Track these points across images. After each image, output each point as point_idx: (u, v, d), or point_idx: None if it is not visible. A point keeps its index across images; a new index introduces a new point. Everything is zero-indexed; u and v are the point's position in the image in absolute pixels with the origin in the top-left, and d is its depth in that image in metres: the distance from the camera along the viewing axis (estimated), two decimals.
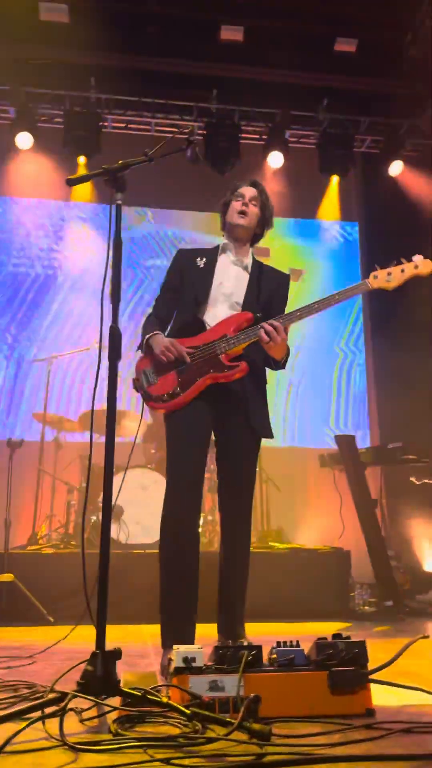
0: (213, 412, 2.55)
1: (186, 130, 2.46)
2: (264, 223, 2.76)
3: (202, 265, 2.68)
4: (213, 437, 2.64)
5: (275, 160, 6.62)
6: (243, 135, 6.66)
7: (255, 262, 2.76)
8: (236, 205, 2.70)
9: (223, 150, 6.34)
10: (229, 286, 2.65)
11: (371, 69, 6.37)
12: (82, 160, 6.37)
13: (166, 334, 2.64)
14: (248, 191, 2.73)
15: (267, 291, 2.67)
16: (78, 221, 7.14)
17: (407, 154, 6.78)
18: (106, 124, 6.62)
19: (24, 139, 6.32)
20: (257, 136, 6.85)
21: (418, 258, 2.53)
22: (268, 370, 2.70)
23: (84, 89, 6.37)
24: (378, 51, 6.28)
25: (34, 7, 5.74)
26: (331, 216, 7.44)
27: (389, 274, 2.54)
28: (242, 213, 2.67)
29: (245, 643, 1.74)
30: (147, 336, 2.58)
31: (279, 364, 2.60)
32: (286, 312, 2.60)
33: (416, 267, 2.53)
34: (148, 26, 6.09)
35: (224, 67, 6.40)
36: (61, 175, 6.67)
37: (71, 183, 1.92)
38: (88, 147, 6.32)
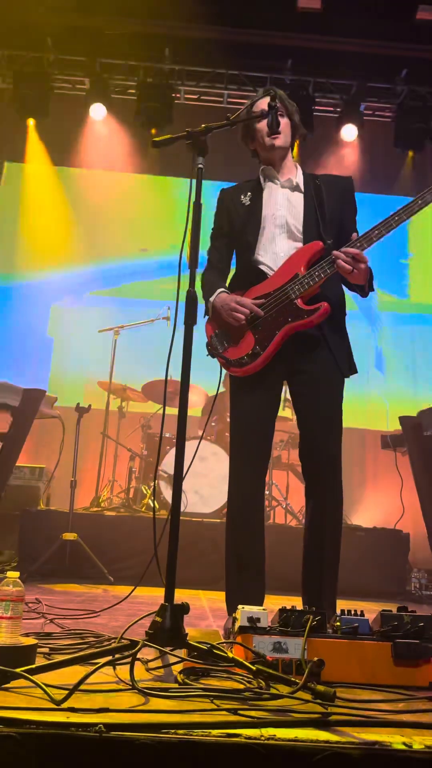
0: (287, 366, 2.33)
1: (266, 98, 2.34)
2: (296, 129, 2.46)
3: (248, 202, 2.41)
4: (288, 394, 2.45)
5: (349, 132, 6.46)
6: (317, 107, 6.53)
7: (307, 176, 2.44)
8: (263, 126, 2.36)
9: (300, 119, 6.22)
10: (282, 215, 2.36)
11: None
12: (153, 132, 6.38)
13: (227, 285, 2.42)
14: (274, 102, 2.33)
15: (332, 204, 2.35)
16: (148, 191, 7.18)
17: None
18: (178, 95, 6.61)
19: (98, 110, 6.39)
20: (331, 109, 6.70)
21: None
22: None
23: (158, 60, 6.37)
24: None
25: None
26: (406, 192, 7.22)
27: None
28: (274, 131, 2.33)
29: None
30: (210, 298, 2.36)
31: (365, 290, 2.33)
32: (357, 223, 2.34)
33: None
34: None
35: (300, 36, 6.26)
36: (134, 146, 6.71)
37: (157, 145, 1.92)
38: (160, 118, 6.33)
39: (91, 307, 6.87)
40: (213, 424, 5.38)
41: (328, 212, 2.34)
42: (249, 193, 2.44)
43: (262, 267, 2.36)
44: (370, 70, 6.48)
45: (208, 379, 2.71)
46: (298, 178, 2.44)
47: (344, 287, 2.44)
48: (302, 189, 2.42)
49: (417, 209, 2.19)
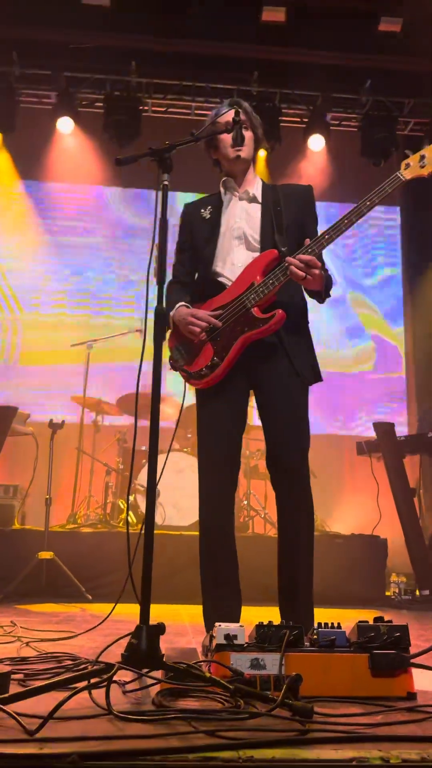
0: (249, 375, 2.33)
1: (231, 110, 2.35)
2: (259, 142, 2.48)
3: (208, 215, 2.44)
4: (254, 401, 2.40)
5: (316, 143, 6.54)
6: (283, 118, 6.60)
7: (266, 187, 2.47)
8: (227, 139, 2.37)
9: (263, 133, 6.28)
10: (240, 226, 2.38)
11: (416, 49, 6.21)
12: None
13: (190, 299, 2.41)
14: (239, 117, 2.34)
15: (291, 214, 2.37)
16: (118, 204, 7.18)
17: None
18: (146, 108, 6.62)
19: (65, 124, 6.37)
20: (298, 119, 6.77)
21: None
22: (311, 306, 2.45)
23: (124, 73, 6.38)
24: (423, 30, 6.11)
25: None
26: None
27: (422, 157, 2.21)
28: (236, 143, 2.33)
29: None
30: (170, 313, 2.35)
31: (322, 296, 2.32)
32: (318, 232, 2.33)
33: None
34: (188, 8, 6.04)
35: (265, 48, 6.32)
36: (101, 159, 6.70)
37: (120, 163, 1.92)
38: (128, 131, 6.33)
39: (63, 321, 6.82)
40: (189, 435, 5.37)
41: (286, 221, 2.35)
42: (209, 207, 2.47)
43: (220, 279, 2.38)
44: (335, 81, 6.57)
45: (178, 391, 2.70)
46: (256, 189, 2.47)
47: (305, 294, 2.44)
48: (259, 200, 2.44)
49: (366, 211, 2.22)
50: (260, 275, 2.27)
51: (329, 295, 2.36)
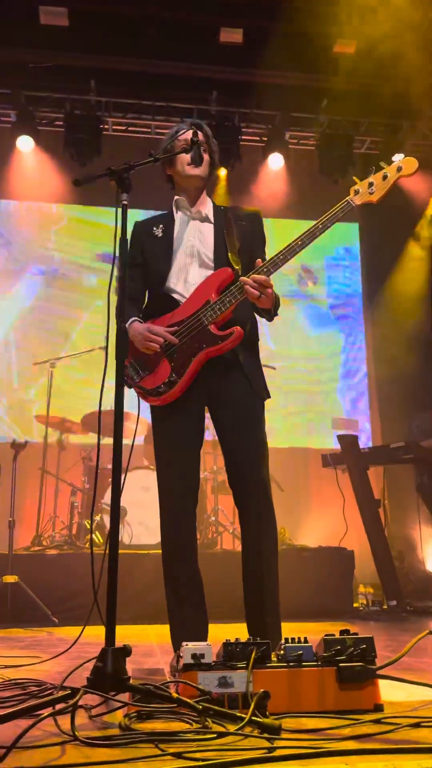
0: (207, 392, 2.34)
1: (191, 131, 2.39)
2: (214, 167, 2.53)
3: (160, 233, 2.46)
4: (211, 417, 2.42)
5: (275, 161, 6.65)
6: (243, 137, 6.70)
7: (217, 208, 2.51)
8: (185, 157, 2.41)
9: (223, 152, 6.37)
10: (193, 244, 2.42)
11: (369, 70, 6.39)
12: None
13: (141, 315, 2.43)
14: (197, 137, 2.40)
15: (241, 235, 2.41)
16: (78, 223, 7.16)
17: (407, 155, 6.81)
18: (106, 126, 6.65)
19: (25, 143, 6.35)
20: (257, 138, 6.88)
21: (398, 157, 2.27)
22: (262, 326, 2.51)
23: (84, 92, 6.40)
24: (376, 52, 6.30)
25: (34, 11, 5.76)
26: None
27: (371, 184, 2.27)
28: (194, 163, 2.39)
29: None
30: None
31: (271, 314, 2.34)
32: (267, 255, 2.39)
33: (399, 169, 2.27)
34: (147, 28, 6.11)
35: (224, 69, 6.41)
36: (62, 177, 6.69)
37: (78, 184, 1.92)
38: (89, 149, 6.34)
39: (25, 339, 6.74)
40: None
41: (238, 241, 2.39)
42: (161, 225, 2.49)
43: (174, 295, 2.39)
44: (292, 101, 6.71)
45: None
46: (208, 210, 2.51)
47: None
48: (212, 220, 2.48)
49: (318, 233, 2.26)
50: (215, 293, 2.30)
51: (277, 314, 2.40)
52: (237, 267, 2.30)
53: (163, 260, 2.41)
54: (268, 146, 6.68)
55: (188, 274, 2.39)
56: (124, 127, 6.76)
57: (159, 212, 2.57)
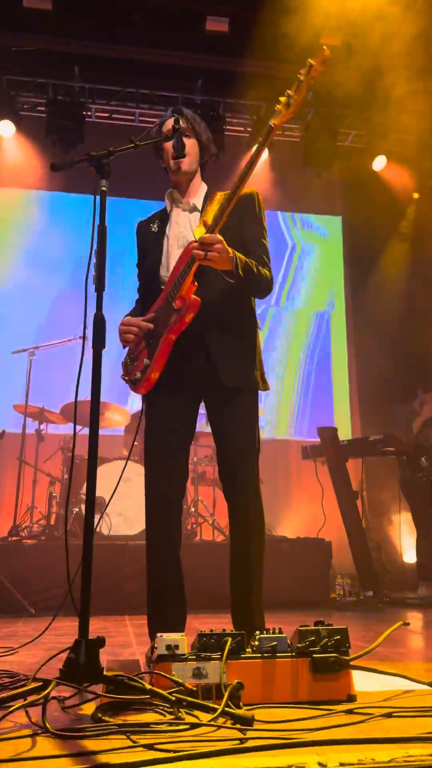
0: (198, 383, 2.31)
1: (170, 120, 2.34)
2: (205, 149, 2.47)
3: (156, 229, 2.46)
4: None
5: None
6: (228, 127, 6.65)
7: (209, 195, 2.45)
8: (170, 147, 2.33)
9: (209, 138, 6.32)
10: (184, 236, 2.39)
11: (353, 63, 6.37)
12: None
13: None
14: (179, 125, 2.30)
15: (230, 221, 2.27)
16: (59, 209, 7.08)
17: (390, 149, 6.82)
18: (89, 113, 6.56)
19: (6, 127, 6.25)
20: (242, 128, 6.84)
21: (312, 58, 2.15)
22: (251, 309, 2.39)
23: (67, 78, 6.31)
24: (360, 47, 6.28)
25: None
26: (318, 209, 7.49)
27: (289, 97, 2.18)
28: (180, 154, 2.30)
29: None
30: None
31: (234, 275, 2.17)
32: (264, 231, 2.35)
33: (310, 68, 2.18)
34: (133, 15, 6.03)
35: (209, 58, 6.36)
36: (44, 163, 6.61)
37: (56, 168, 1.89)
38: (71, 137, 6.26)
39: (2, 328, 6.66)
40: (136, 443, 5.32)
41: (225, 224, 2.24)
42: (157, 221, 2.48)
43: (163, 286, 2.37)
44: (278, 92, 6.66)
45: (133, 398, 2.67)
46: (198, 198, 2.46)
47: (254, 301, 2.41)
48: (199, 208, 2.44)
49: (249, 171, 2.20)
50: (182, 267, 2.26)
51: (244, 276, 2.20)
52: (197, 238, 2.16)
53: (156, 255, 2.41)
54: (253, 137, 6.64)
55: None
56: (107, 114, 6.68)
57: (136, 200, 2.54)
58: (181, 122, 2.32)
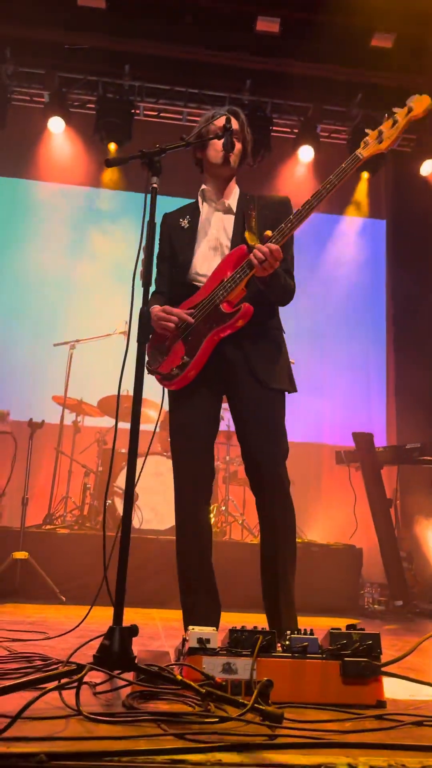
0: (223, 381, 2.32)
1: (222, 117, 2.35)
2: (245, 157, 2.47)
3: (186, 225, 2.44)
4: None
5: (306, 154, 6.60)
6: (274, 128, 6.65)
7: (242, 198, 2.46)
8: (217, 144, 2.36)
9: (253, 142, 6.32)
10: (216, 237, 2.40)
11: (407, 64, 6.30)
12: (113, 146, 6.37)
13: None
14: (230, 125, 2.33)
15: (263, 223, 2.33)
16: (106, 205, 7.17)
17: None
18: (137, 111, 6.63)
19: (56, 124, 6.36)
20: (288, 130, 6.82)
21: (409, 99, 2.11)
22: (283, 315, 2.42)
23: (118, 76, 6.39)
24: (415, 46, 6.21)
25: None
26: (360, 213, 7.41)
27: (380, 133, 2.14)
28: (225, 150, 2.32)
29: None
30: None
31: (267, 283, 2.22)
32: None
33: (409, 110, 2.12)
34: (184, 15, 6.07)
35: (258, 59, 6.37)
36: (91, 160, 6.71)
37: (110, 164, 1.92)
38: (119, 134, 6.34)
39: (46, 320, 6.78)
40: (169, 439, 5.36)
41: (258, 233, 2.31)
42: (188, 216, 2.47)
43: (196, 284, 2.38)
44: (326, 93, 6.64)
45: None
46: (232, 200, 2.47)
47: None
48: (234, 211, 2.44)
49: (325, 194, 2.18)
50: (230, 271, 2.25)
51: (281, 299, 2.31)
52: (252, 243, 2.21)
53: (187, 252, 2.40)
54: (299, 138, 6.62)
55: (211, 267, 2.36)
56: (155, 113, 6.74)
57: (172, 198, 2.56)
58: (233, 123, 2.33)
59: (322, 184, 2.17)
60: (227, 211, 2.46)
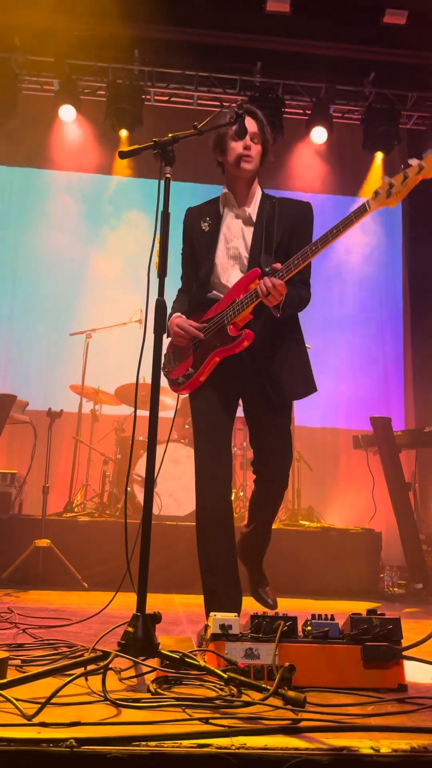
0: (235, 384, 2.44)
1: (235, 104, 2.33)
2: (266, 155, 2.47)
3: (207, 228, 2.46)
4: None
5: (318, 135, 6.51)
6: (286, 109, 6.57)
7: (263, 204, 2.45)
8: (236, 147, 2.37)
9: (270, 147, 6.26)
10: (236, 246, 2.43)
11: (420, 42, 6.17)
12: (124, 133, 6.35)
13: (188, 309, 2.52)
14: (249, 126, 2.35)
15: (282, 232, 2.37)
16: (119, 194, 7.16)
17: None
18: (148, 97, 6.59)
19: (67, 112, 6.34)
20: (301, 111, 6.74)
21: (425, 154, 2.06)
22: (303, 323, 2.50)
23: (127, 62, 6.33)
24: (428, 23, 6.08)
25: None
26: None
27: (391, 186, 2.11)
28: (246, 157, 2.35)
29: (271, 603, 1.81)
30: (168, 322, 2.37)
31: (279, 309, 2.27)
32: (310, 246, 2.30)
33: (420, 169, 2.07)
34: None
35: (269, 39, 6.27)
36: (103, 147, 6.68)
37: (124, 156, 1.92)
38: (131, 120, 6.30)
39: (62, 310, 6.81)
40: (186, 426, 5.39)
41: (276, 240, 2.36)
42: (209, 219, 2.49)
43: (211, 294, 2.46)
44: (338, 73, 6.53)
45: None
46: (253, 207, 2.47)
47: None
48: (254, 220, 2.45)
49: (332, 239, 2.17)
50: (243, 293, 2.33)
51: (285, 313, 2.33)
52: (267, 268, 2.26)
53: (207, 260, 2.45)
54: (312, 119, 6.53)
55: (230, 277, 2.42)
56: (166, 98, 6.69)
57: (199, 185, 2.56)
58: (252, 125, 2.37)
59: (329, 230, 2.17)
60: (247, 222, 2.46)
